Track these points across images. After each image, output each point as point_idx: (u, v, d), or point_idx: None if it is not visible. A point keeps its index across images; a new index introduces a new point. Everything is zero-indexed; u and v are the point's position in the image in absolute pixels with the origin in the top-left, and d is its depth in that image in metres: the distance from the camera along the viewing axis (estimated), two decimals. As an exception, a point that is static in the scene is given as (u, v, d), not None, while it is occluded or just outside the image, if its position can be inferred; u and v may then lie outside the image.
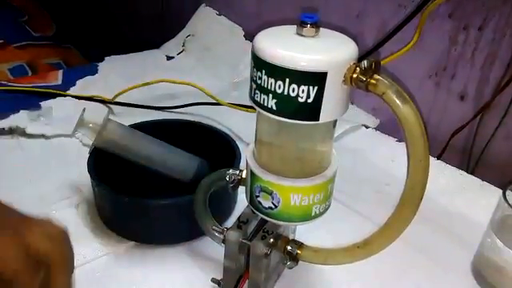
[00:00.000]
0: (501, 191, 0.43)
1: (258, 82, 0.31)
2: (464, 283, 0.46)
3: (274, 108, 0.31)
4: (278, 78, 0.30)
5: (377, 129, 0.71)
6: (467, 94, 0.63)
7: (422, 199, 0.32)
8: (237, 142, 0.55)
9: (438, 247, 0.50)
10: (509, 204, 0.42)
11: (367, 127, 0.71)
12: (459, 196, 0.57)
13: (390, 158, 0.64)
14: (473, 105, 0.63)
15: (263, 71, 0.31)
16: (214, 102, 0.73)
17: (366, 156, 0.66)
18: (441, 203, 0.56)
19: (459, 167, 0.61)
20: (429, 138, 0.31)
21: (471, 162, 0.64)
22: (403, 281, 0.46)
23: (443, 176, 0.59)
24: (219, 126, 0.64)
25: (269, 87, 0.31)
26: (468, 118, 0.62)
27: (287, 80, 0.30)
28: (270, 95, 0.31)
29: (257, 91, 0.32)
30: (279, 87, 0.30)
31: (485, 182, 0.58)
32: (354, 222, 0.53)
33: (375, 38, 0.70)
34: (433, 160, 0.62)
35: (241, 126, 0.67)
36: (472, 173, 0.62)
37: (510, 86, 0.57)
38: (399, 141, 0.67)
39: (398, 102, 0.30)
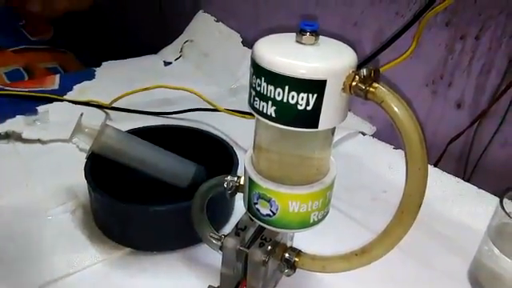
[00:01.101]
0: (498, 199, 0.43)
1: (258, 89, 0.31)
2: (461, 291, 0.46)
3: (273, 115, 0.31)
4: (278, 86, 0.30)
5: (373, 136, 0.71)
6: (464, 102, 0.63)
7: (420, 207, 0.32)
8: (234, 148, 0.55)
9: (435, 255, 0.50)
10: (506, 212, 0.42)
11: (364, 134, 0.71)
12: (456, 203, 0.57)
13: (386, 165, 0.64)
14: (469, 113, 0.63)
15: (262, 78, 0.31)
16: (212, 107, 0.73)
17: (362, 163, 0.66)
18: (438, 210, 0.56)
19: (456, 175, 0.61)
20: (426, 145, 0.31)
21: (468, 170, 0.64)
22: (400, 288, 0.46)
23: (440, 183, 0.60)
24: (217, 132, 0.63)
25: (268, 94, 0.31)
26: (465, 126, 0.62)
27: (286, 87, 0.30)
28: (270, 102, 0.31)
29: (256, 98, 0.32)
30: (278, 94, 0.30)
31: (482, 190, 0.58)
32: (351, 229, 0.53)
33: (373, 46, 0.70)
34: (430, 167, 0.61)
35: (238, 132, 0.67)
36: (469, 180, 0.62)
37: (507, 94, 0.58)
38: (396, 148, 0.67)
39: (396, 110, 0.30)
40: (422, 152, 0.30)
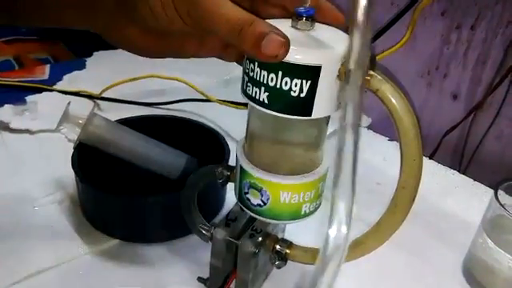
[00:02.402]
0: (492, 191, 0.43)
1: (251, 74, 0.30)
2: (455, 283, 0.46)
3: (266, 101, 0.30)
4: (271, 71, 0.29)
5: (369, 128, 0.71)
6: (459, 93, 0.63)
7: (414, 199, 0.31)
8: (226, 139, 0.54)
9: (429, 247, 0.50)
10: (500, 204, 0.41)
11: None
12: (451, 196, 0.57)
13: (381, 157, 0.63)
14: (465, 104, 0.62)
15: (256, 63, 0.30)
16: (204, 98, 0.72)
17: (357, 155, 0.65)
18: (433, 203, 0.56)
19: (451, 167, 0.61)
20: (421, 137, 0.30)
21: (463, 162, 0.64)
22: (393, 281, 0.46)
23: (435, 176, 0.59)
24: (208, 123, 0.62)
25: (261, 80, 0.30)
26: (460, 118, 0.62)
27: (280, 73, 0.29)
28: (262, 88, 0.30)
29: (249, 84, 0.31)
30: (272, 80, 0.29)
31: (477, 182, 0.58)
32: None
33: (368, 36, 0.69)
34: (425, 159, 0.61)
35: (230, 122, 0.66)
36: (464, 172, 0.61)
37: (502, 85, 0.57)
38: (391, 140, 0.66)
39: (392, 98, 0.29)
40: (417, 142, 0.30)
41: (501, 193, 0.43)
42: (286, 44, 0.28)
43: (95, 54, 0.90)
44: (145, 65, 0.83)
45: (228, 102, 0.70)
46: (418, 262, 0.48)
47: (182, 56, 0.36)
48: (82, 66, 0.85)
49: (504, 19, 0.56)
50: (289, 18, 0.31)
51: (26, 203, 0.51)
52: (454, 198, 0.57)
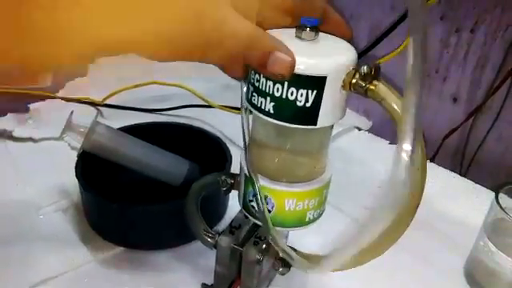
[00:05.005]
0: (493, 194, 0.43)
1: (256, 84, 0.31)
2: (456, 286, 0.46)
3: (272, 111, 0.31)
4: (277, 81, 0.29)
5: (369, 131, 0.71)
6: (459, 96, 0.63)
7: (418, 207, 0.32)
8: (228, 145, 0.54)
9: (431, 250, 0.50)
10: (501, 207, 0.41)
11: (360, 129, 0.71)
12: (452, 199, 0.57)
13: (382, 161, 0.63)
14: (465, 107, 0.63)
15: (261, 73, 0.30)
16: (205, 104, 0.72)
17: (358, 158, 0.65)
18: (434, 206, 0.56)
19: (452, 170, 0.61)
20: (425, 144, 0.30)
21: (464, 165, 0.64)
22: (395, 284, 0.46)
23: (436, 179, 0.59)
24: (210, 129, 0.63)
25: (267, 90, 0.30)
26: (460, 121, 0.62)
27: (286, 83, 0.29)
28: (268, 98, 0.30)
29: (254, 94, 0.31)
30: (277, 90, 0.30)
31: (477, 185, 0.58)
32: (345, 225, 0.53)
33: (368, 40, 0.70)
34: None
35: (232, 128, 0.66)
36: (465, 175, 0.62)
37: (502, 88, 0.58)
38: (392, 143, 0.67)
39: (397, 108, 0.29)
40: (422, 152, 0.30)
41: (502, 196, 0.43)
42: (293, 64, 0.28)
43: (97, 60, 0.90)
44: (146, 71, 0.84)
45: (229, 107, 0.70)
46: (419, 265, 0.48)
47: (190, 60, 0.36)
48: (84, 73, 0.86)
49: (503, 22, 0.57)
50: (293, 27, 0.32)
51: (31, 212, 0.51)
52: (455, 200, 0.57)
